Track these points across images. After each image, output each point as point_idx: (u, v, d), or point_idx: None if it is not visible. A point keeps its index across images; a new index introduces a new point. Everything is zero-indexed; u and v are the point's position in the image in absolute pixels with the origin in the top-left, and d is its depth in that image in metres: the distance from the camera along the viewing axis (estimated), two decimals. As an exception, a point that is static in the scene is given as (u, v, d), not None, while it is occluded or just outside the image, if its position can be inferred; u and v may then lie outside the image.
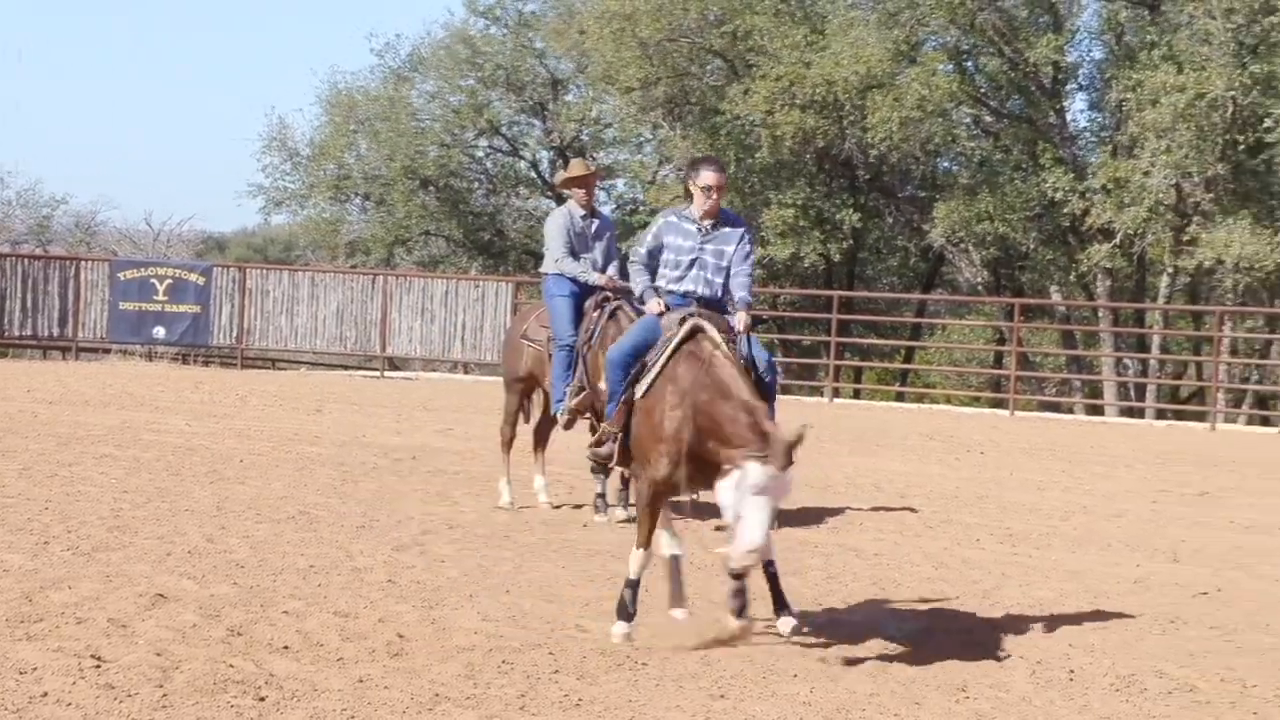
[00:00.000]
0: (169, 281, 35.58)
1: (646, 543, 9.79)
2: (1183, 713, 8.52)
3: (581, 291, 14.90)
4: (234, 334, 35.73)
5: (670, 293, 10.19)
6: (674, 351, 9.75)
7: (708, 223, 10.32)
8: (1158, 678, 9.18)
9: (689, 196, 10.42)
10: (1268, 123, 36.97)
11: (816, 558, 12.97)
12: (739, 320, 9.99)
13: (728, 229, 10.36)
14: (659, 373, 9.73)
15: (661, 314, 10.06)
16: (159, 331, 35.62)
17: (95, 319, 35.56)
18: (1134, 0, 42.06)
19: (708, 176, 10.29)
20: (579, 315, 14.80)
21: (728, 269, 10.27)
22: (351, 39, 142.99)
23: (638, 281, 10.29)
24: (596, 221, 15.35)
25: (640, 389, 9.80)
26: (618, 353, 10.03)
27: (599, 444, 10.14)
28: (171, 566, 11.20)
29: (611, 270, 15.10)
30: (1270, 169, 38.75)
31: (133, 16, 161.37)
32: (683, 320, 9.87)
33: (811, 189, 43.15)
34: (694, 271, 10.20)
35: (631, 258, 10.33)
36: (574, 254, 15.03)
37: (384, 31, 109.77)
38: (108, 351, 36.65)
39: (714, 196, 10.32)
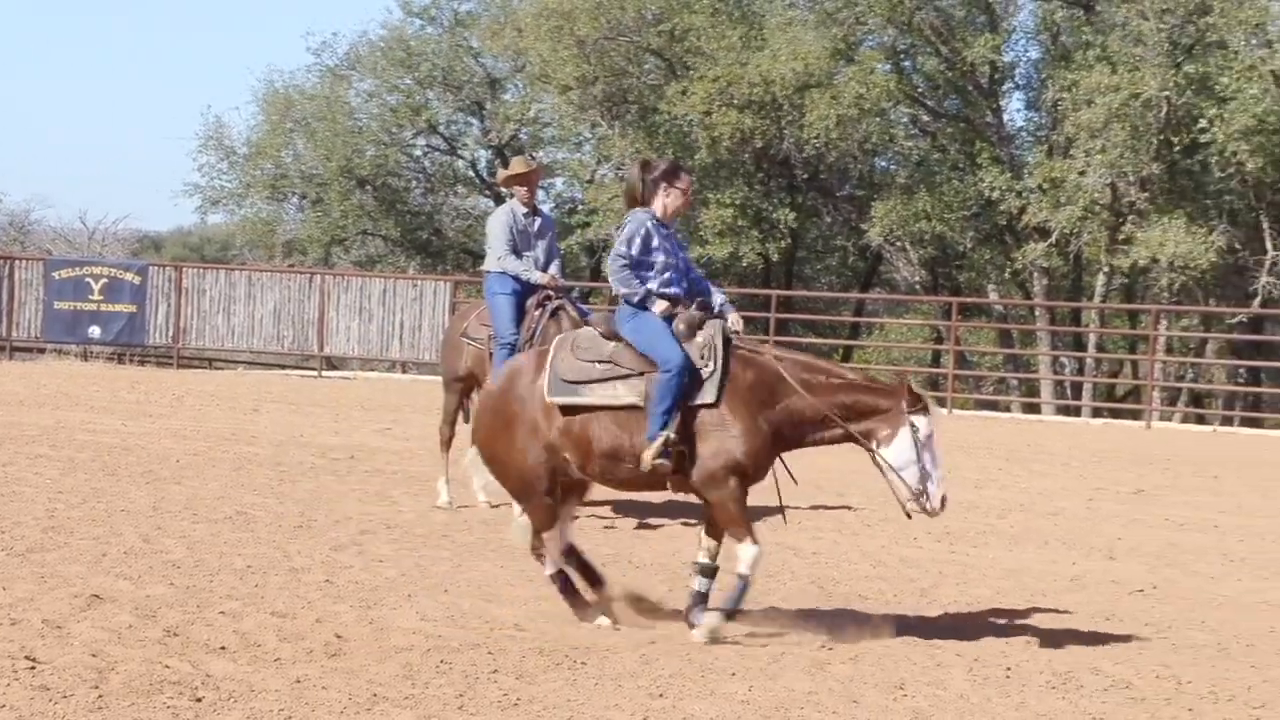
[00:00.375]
0: (104, 281, 35.34)
1: (754, 534, 9.85)
2: (1118, 709, 8.57)
3: (523, 290, 14.91)
4: (170, 333, 35.51)
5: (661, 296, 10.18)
6: (726, 355, 9.89)
7: (672, 227, 10.41)
8: (1094, 674, 9.23)
9: (643, 200, 10.31)
10: (1201, 123, 37.23)
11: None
12: (736, 321, 10.16)
13: (672, 231, 10.41)
14: (724, 377, 9.82)
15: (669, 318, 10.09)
16: (94, 331, 35.38)
17: (30, 318, 35.28)
18: (1069, 1, 42.29)
19: (687, 180, 10.41)
20: (521, 313, 14.81)
21: (688, 269, 10.36)
22: (288, 38, 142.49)
23: (631, 284, 10.10)
24: (539, 220, 15.35)
25: (707, 396, 9.79)
26: (685, 361, 9.80)
27: (660, 451, 9.75)
28: (107, 567, 11.13)
29: (554, 269, 15.11)
30: (1204, 169, 39.04)
31: (67, 13, 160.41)
32: (701, 323, 9.99)
33: (750, 189, 43.22)
34: (671, 274, 10.21)
35: (615, 261, 10.19)
36: (516, 252, 15.02)
37: (321, 30, 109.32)
38: (42, 351, 36.38)
39: (689, 199, 10.51)
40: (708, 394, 9.78)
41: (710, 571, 10.04)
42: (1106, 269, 40.84)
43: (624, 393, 9.91)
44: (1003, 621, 10.58)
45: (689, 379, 9.76)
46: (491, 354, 15.03)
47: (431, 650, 9.12)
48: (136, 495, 14.72)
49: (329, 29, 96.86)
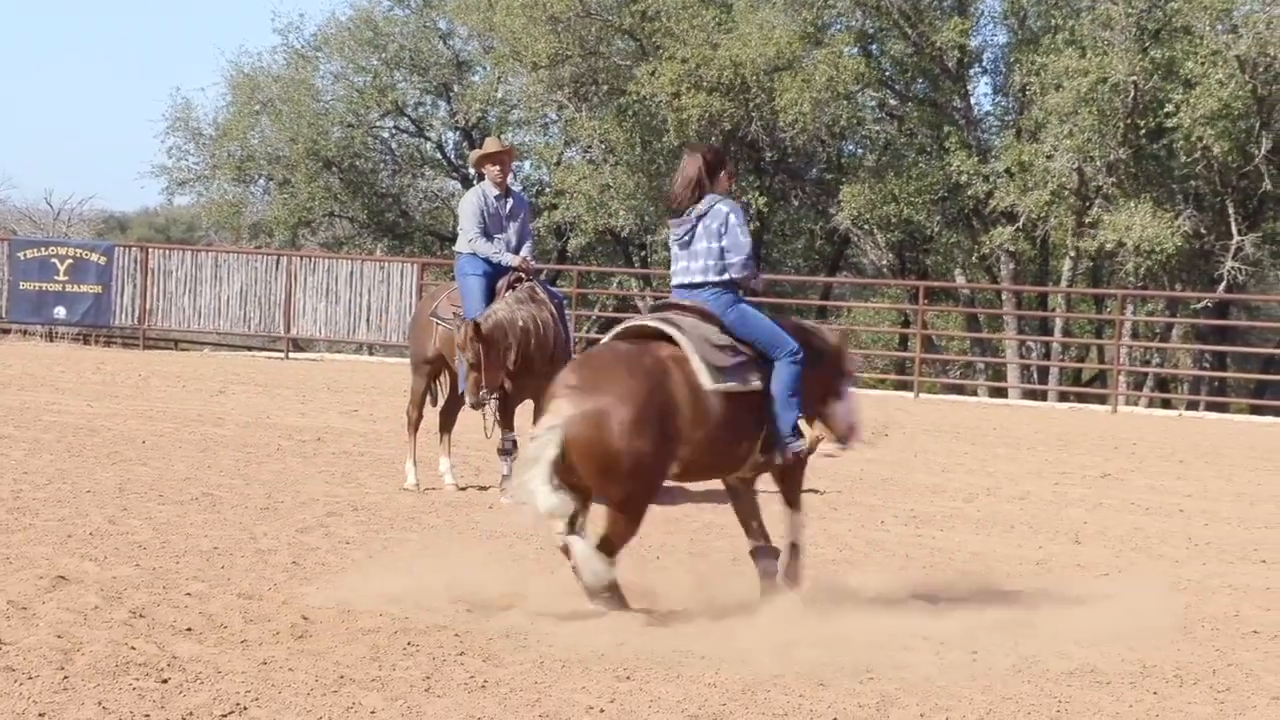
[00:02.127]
0: (70, 261, 35.22)
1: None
2: (1084, 693, 8.59)
3: (495, 271, 14.90)
4: (136, 314, 35.42)
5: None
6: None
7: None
8: (1059, 658, 9.25)
9: (711, 185, 10.32)
10: (1168, 107, 37.34)
11: (722, 540, 12.98)
12: None
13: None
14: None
15: None
16: (60, 311, 35.26)
17: (-6, 299, 35.21)
18: (1037, -15, 42.38)
19: (733, 167, 10.82)
20: (492, 295, 14.79)
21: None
22: (257, 18, 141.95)
23: (751, 266, 10.32)
24: (510, 201, 15.31)
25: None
26: (798, 345, 10.13)
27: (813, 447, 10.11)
28: (73, 548, 11.10)
29: (525, 250, 15.08)
30: (1170, 153, 39.16)
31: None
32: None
33: (717, 171, 43.16)
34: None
35: (745, 249, 10.21)
36: (487, 234, 14.99)
37: (287, 12, 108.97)
38: (7, 332, 36.27)
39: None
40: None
41: (771, 552, 10.43)
42: (1073, 253, 40.94)
43: (754, 379, 9.98)
44: (969, 605, 10.59)
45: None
46: (461, 334, 15.00)
47: (398, 632, 9.11)
48: (102, 476, 14.68)
49: (296, 10, 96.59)
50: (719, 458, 10.00)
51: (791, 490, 10.47)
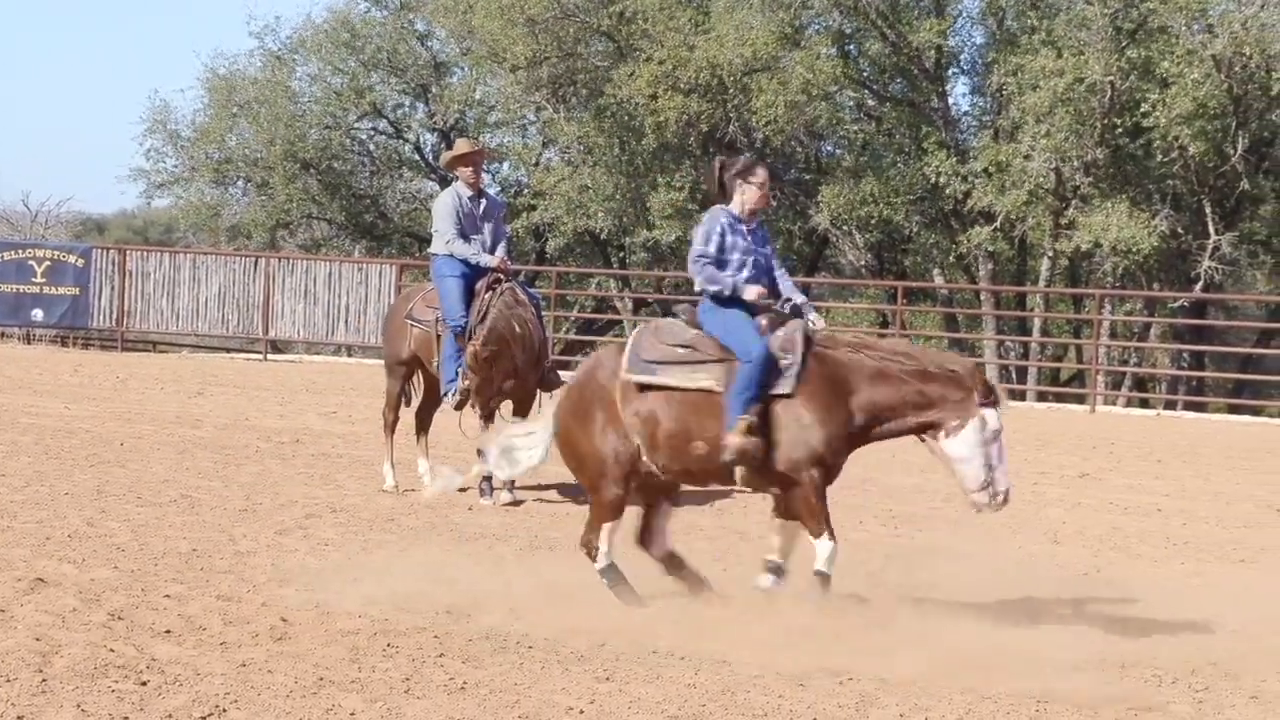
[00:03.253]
0: (47, 263, 35.13)
1: (832, 530, 9.95)
2: (1064, 692, 8.61)
3: (472, 273, 14.90)
4: (114, 316, 35.33)
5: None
6: (806, 348, 9.96)
7: (753, 223, 10.49)
8: (1038, 658, 9.26)
9: (722, 193, 10.48)
10: (1145, 107, 37.38)
11: (702, 541, 13.01)
12: (816, 318, 10.28)
13: (757, 227, 10.52)
14: (802, 368, 9.90)
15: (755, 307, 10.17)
16: (37, 314, 35.18)
17: (-29, 301, 35.13)
18: (1014, -15, 42.41)
19: (764, 174, 10.48)
20: (470, 296, 14.79)
21: (769, 268, 10.44)
22: (232, 21, 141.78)
23: (718, 279, 10.18)
24: (485, 201, 15.32)
25: (784, 388, 9.85)
26: (767, 351, 9.88)
27: (747, 434, 9.78)
28: (51, 551, 11.08)
29: (500, 251, 15.08)
30: (1148, 153, 39.20)
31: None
32: (782, 321, 10.10)
33: (697, 172, 43.19)
34: (750, 272, 10.28)
35: (696, 259, 10.26)
36: (464, 235, 14.99)
37: (264, 14, 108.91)
38: (-15, 334, 36.22)
39: (767, 194, 10.56)
40: (784, 386, 9.86)
41: (779, 570, 10.24)
42: (1051, 253, 40.95)
43: (701, 377, 9.99)
44: (948, 605, 10.61)
45: (769, 370, 9.84)
46: (439, 336, 15.02)
47: (378, 634, 9.11)
48: (80, 479, 14.66)
49: (272, 13, 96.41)
50: (678, 453, 10.08)
51: (801, 508, 10.01)
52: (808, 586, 9.91)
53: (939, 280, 45.63)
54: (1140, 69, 37.96)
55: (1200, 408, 34.80)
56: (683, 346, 10.09)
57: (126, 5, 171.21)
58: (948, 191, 40.89)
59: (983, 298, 42.58)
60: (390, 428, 15.69)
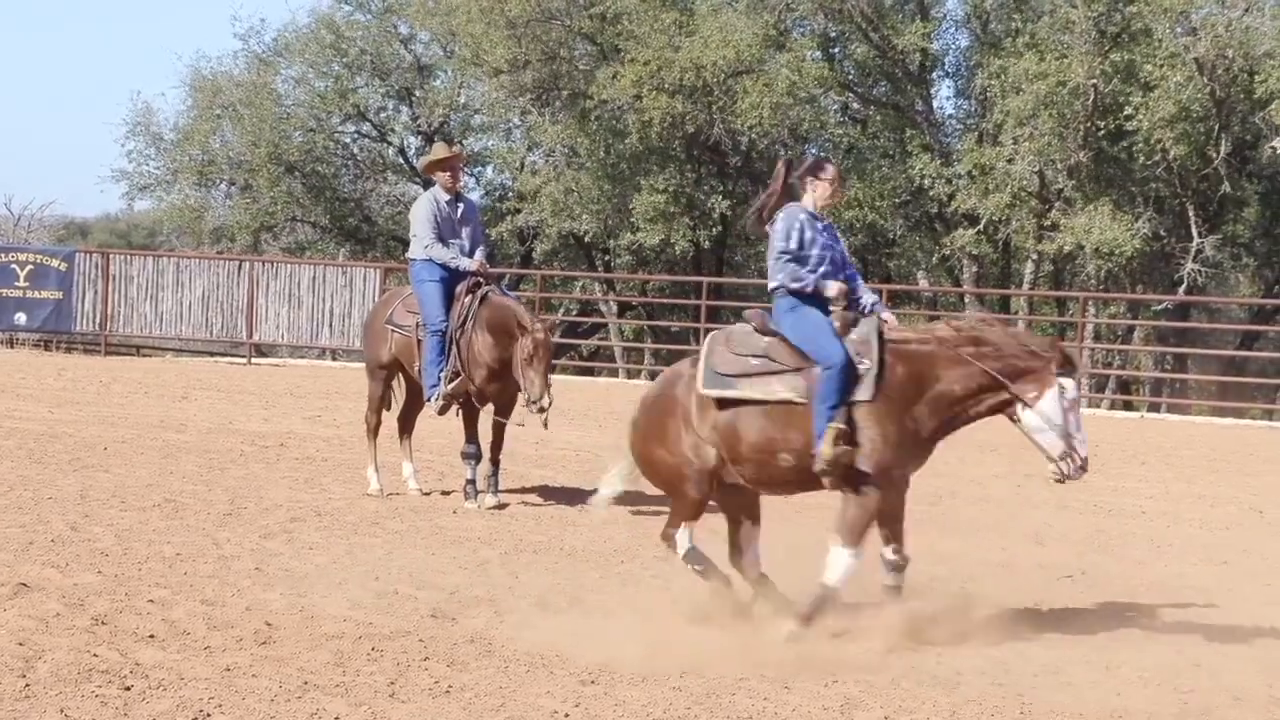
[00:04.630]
0: (30, 267, 35.07)
1: (860, 544, 9.89)
2: (1048, 694, 8.63)
3: (451, 276, 14.89)
4: (97, 320, 35.28)
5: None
6: (880, 350, 9.86)
7: (824, 220, 10.46)
8: (1024, 659, 9.29)
9: (785, 194, 10.46)
10: (1128, 110, 37.45)
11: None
12: (890, 318, 10.20)
13: (828, 224, 10.46)
14: (880, 371, 9.80)
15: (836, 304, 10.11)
16: (20, 318, 35.12)
17: (-46, 305, 35.06)
18: (999, -12, 42.49)
19: (833, 170, 10.49)
20: (449, 300, 14.79)
21: (845, 264, 10.39)
22: (216, 22, 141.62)
23: (800, 276, 10.08)
24: (462, 206, 15.32)
25: (864, 394, 9.75)
26: (847, 357, 9.75)
27: (837, 443, 9.64)
28: (35, 555, 11.06)
29: (479, 254, 15.08)
30: (1130, 156, 39.26)
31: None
32: (855, 320, 10.01)
33: (681, 175, 43.21)
34: (827, 268, 10.21)
35: (777, 257, 10.14)
36: (442, 240, 14.99)
37: (248, 16, 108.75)
38: (-32, 338, 36.14)
39: (839, 189, 10.55)
40: (864, 391, 9.76)
41: (899, 566, 10.24)
42: (1034, 256, 41.04)
43: (780, 389, 9.91)
44: (933, 608, 10.61)
45: (851, 375, 9.74)
46: (420, 341, 15.01)
47: (362, 638, 9.10)
48: (64, 483, 14.63)
49: (256, 15, 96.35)
50: (761, 464, 10.01)
51: (848, 511, 9.87)
52: (810, 593, 9.77)
53: (923, 283, 45.68)
54: (1123, 72, 38.04)
55: (1184, 410, 34.82)
56: (757, 356, 9.98)
57: (108, 7, 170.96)
58: (932, 194, 40.98)
59: (967, 300, 42.62)
60: (373, 431, 15.68)
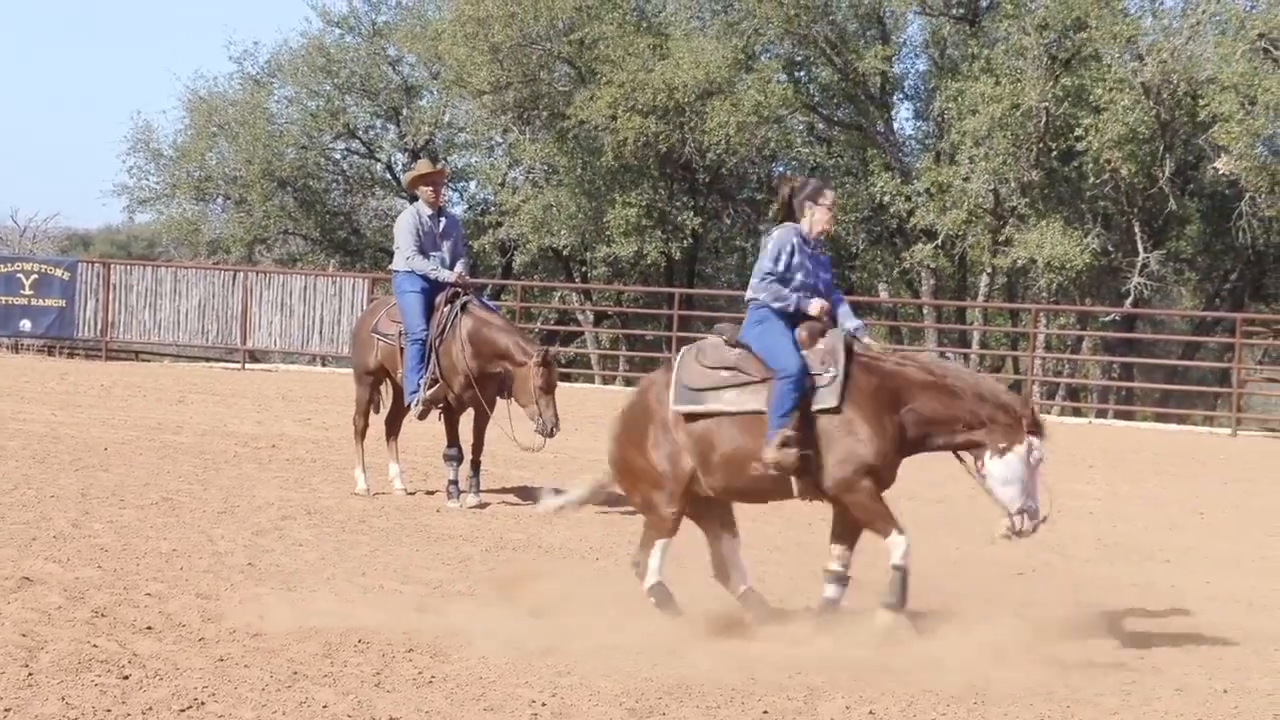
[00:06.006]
0: (35, 276, 35.00)
1: (898, 525, 9.79)
2: (998, 684, 8.64)
3: (431, 287, 14.90)
4: (98, 327, 35.21)
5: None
6: (848, 362, 9.74)
7: (817, 246, 10.33)
8: (975, 649, 9.30)
9: (788, 213, 10.31)
10: (1078, 131, 37.53)
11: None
12: (866, 337, 10.09)
13: (818, 250, 10.34)
14: (845, 382, 9.66)
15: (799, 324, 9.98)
16: (25, 324, 35.04)
17: (-39, 313, 34.95)
18: (956, 16, 42.55)
19: (832, 197, 10.34)
20: (430, 310, 14.80)
21: (828, 293, 10.21)
22: (212, 45, 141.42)
23: (782, 295, 9.95)
24: (444, 220, 15.31)
25: (828, 401, 9.63)
26: (803, 367, 9.64)
27: (783, 447, 9.54)
28: (37, 551, 11.03)
29: (460, 267, 15.08)
30: (1080, 175, 39.36)
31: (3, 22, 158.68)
32: (822, 332, 9.87)
33: (654, 191, 43.25)
34: (804, 295, 10.07)
35: (761, 276, 10.00)
36: (423, 252, 14.98)
37: (243, 40, 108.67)
38: (-26, 345, 36.03)
39: (835, 216, 10.44)
40: (828, 399, 9.63)
41: (842, 580, 9.99)
42: (989, 269, 41.12)
43: (747, 399, 9.78)
44: (894, 604, 10.60)
45: (807, 384, 9.61)
46: (403, 349, 15.01)
47: (350, 630, 9.09)
48: (66, 482, 14.59)
49: (250, 38, 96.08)
50: (732, 475, 9.86)
51: (862, 517, 9.88)
52: (887, 582, 9.67)
53: (884, 294, 45.76)
54: (1074, 96, 38.15)
55: (1130, 416, 34.94)
56: (727, 369, 9.86)
57: (111, 30, 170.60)
58: (892, 211, 41.06)
59: (925, 312, 42.74)
60: (361, 434, 15.66)
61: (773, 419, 9.60)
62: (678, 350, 10.33)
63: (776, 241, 10.13)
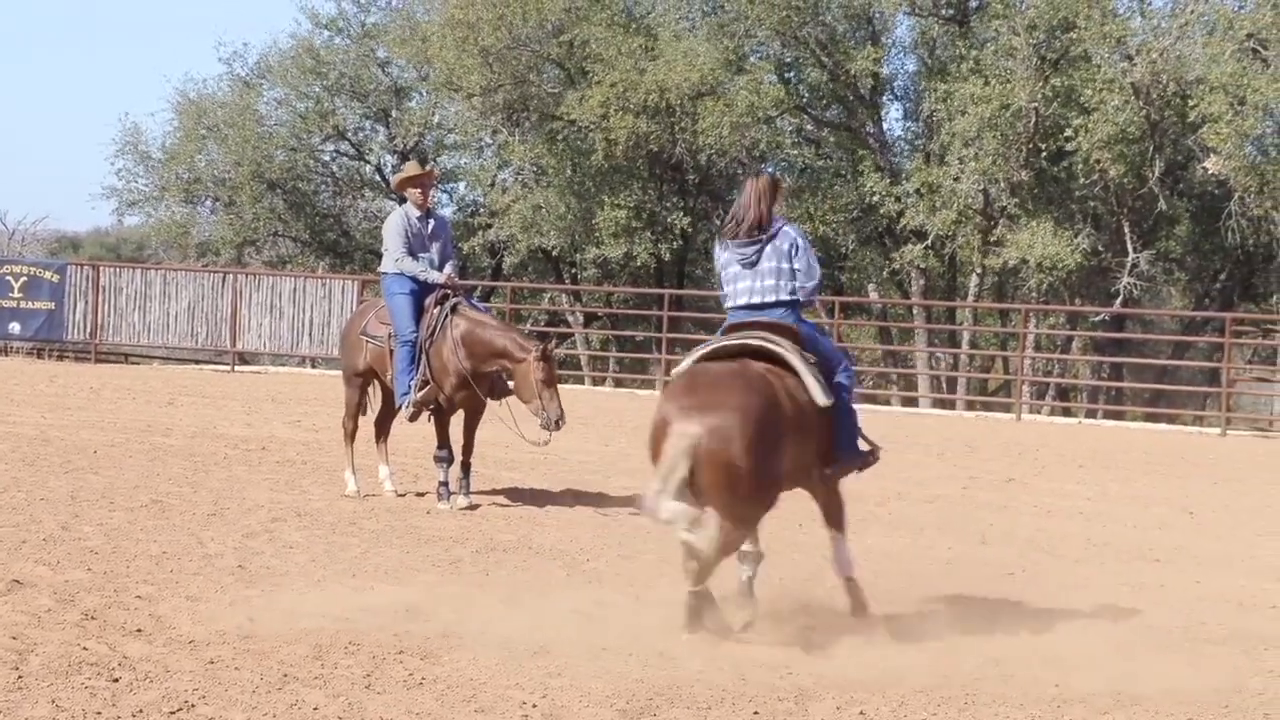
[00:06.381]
0: (24, 279, 35.00)
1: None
2: (991, 685, 8.65)
3: (420, 289, 14.89)
4: (88, 330, 35.21)
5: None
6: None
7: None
8: (968, 651, 9.30)
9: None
10: (1068, 132, 37.59)
11: (649, 543, 12.99)
12: None
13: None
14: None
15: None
16: (14, 327, 35.03)
17: (-50, 315, 34.92)
18: (945, 17, 42.58)
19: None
20: (419, 312, 14.78)
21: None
22: (201, 47, 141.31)
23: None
24: (433, 222, 15.30)
25: None
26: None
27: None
28: (27, 553, 11.02)
29: (448, 268, 15.07)
30: (1070, 175, 39.42)
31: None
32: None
33: (644, 192, 43.27)
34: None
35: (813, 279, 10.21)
36: (412, 254, 14.98)
37: (232, 41, 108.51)
38: (-37, 347, 36.00)
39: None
40: None
41: (756, 558, 10.20)
42: (979, 270, 41.19)
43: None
44: (882, 603, 10.63)
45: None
46: (392, 351, 15.00)
47: (340, 632, 9.08)
48: (55, 484, 14.57)
49: (240, 39, 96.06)
50: (801, 472, 9.88)
51: (835, 510, 10.12)
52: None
53: (874, 295, 45.81)
54: (1063, 96, 38.21)
55: (1119, 416, 35.01)
56: (818, 367, 10.02)
57: (99, 30, 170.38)
58: (882, 211, 41.10)
59: (915, 312, 42.76)
60: (350, 436, 15.65)
61: (852, 412, 10.37)
62: (668, 351, 10.35)
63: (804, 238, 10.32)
